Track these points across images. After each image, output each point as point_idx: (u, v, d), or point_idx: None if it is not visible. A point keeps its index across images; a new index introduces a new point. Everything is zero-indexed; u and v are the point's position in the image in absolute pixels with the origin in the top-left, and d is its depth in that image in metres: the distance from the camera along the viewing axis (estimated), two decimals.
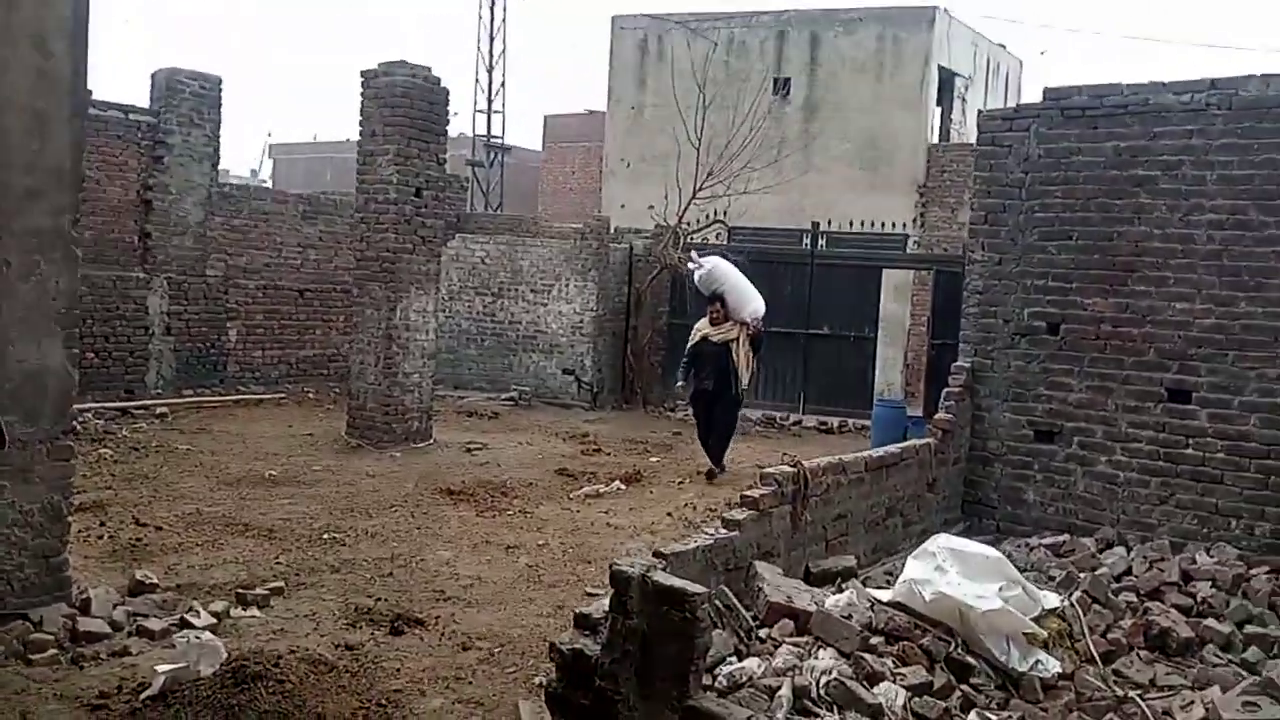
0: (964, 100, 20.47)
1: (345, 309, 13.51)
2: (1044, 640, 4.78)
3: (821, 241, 15.11)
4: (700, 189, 14.40)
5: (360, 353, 10.61)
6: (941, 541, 5.11)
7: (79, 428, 9.26)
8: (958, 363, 7.87)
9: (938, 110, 19.93)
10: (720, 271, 10.20)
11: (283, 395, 13.24)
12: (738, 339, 9.92)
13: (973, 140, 8.95)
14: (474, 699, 4.37)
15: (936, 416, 7.57)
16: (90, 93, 11.78)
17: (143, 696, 4.01)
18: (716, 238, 15.22)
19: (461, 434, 11.32)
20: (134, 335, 12.14)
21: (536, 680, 4.55)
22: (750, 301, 10.05)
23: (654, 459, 10.60)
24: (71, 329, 5.11)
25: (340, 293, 14.18)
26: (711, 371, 9.94)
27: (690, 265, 10.67)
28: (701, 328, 10.13)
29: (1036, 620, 4.82)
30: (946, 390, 7.68)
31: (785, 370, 14.20)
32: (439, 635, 5.15)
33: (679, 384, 10.55)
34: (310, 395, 13.58)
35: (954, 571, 4.87)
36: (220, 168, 13.95)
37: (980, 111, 8.31)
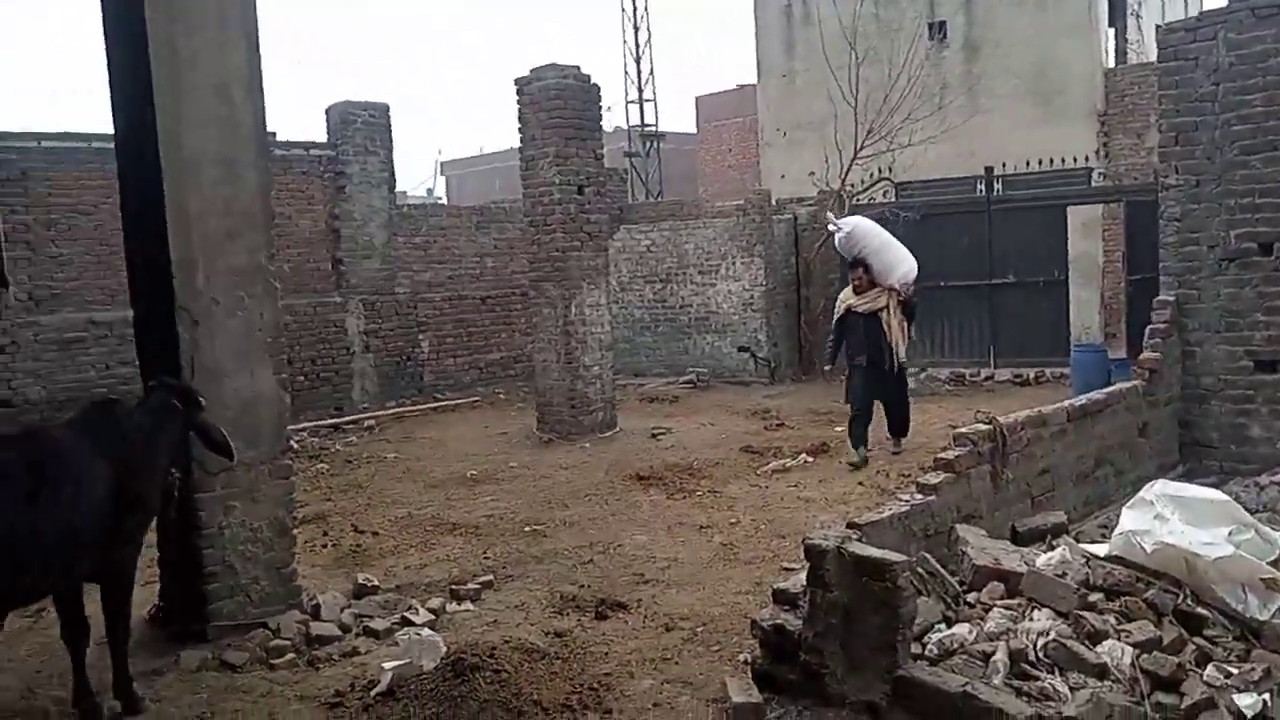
0: (1138, 17, 19.01)
1: (525, 311, 13.96)
2: None
3: (997, 186, 14.40)
4: (861, 148, 14.01)
5: (542, 351, 10.93)
6: (1159, 488, 4.77)
7: (296, 446, 10.02)
8: (1160, 297, 7.34)
9: (1110, 31, 18.59)
10: (861, 232, 9.09)
11: (476, 399, 13.83)
12: (887, 307, 8.85)
13: (1153, 58, 8.29)
14: (681, 678, 4.43)
15: (1142, 356, 7.08)
16: (274, 134, 12.71)
17: (374, 693, 4.28)
18: (884, 195, 14.76)
19: (645, 420, 11.48)
20: (337, 356, 12.98)
21: (741, 657, 4.56)
22: (899, 264, 8.93)
23: (839, 429, 10.38)
24: (279, 356, 5.50)
25: (519, 296, 14.67)
26: (862, 346, 8.92)
27: (830, 228, 9.57)
28: (845, 298, 9.16)
29: (1274, 564, 4.43)
30: (1150, 327, 7.17)
31: (971, 324, 13.65)
32: (642, 618, 5.25)
33: (826, 366, 9.90)
34: (501, 396, 14.13)
35: (1176, 519, 4.54)
36: (397, 189, 14.69)
37: (1159, 26, 7.68)
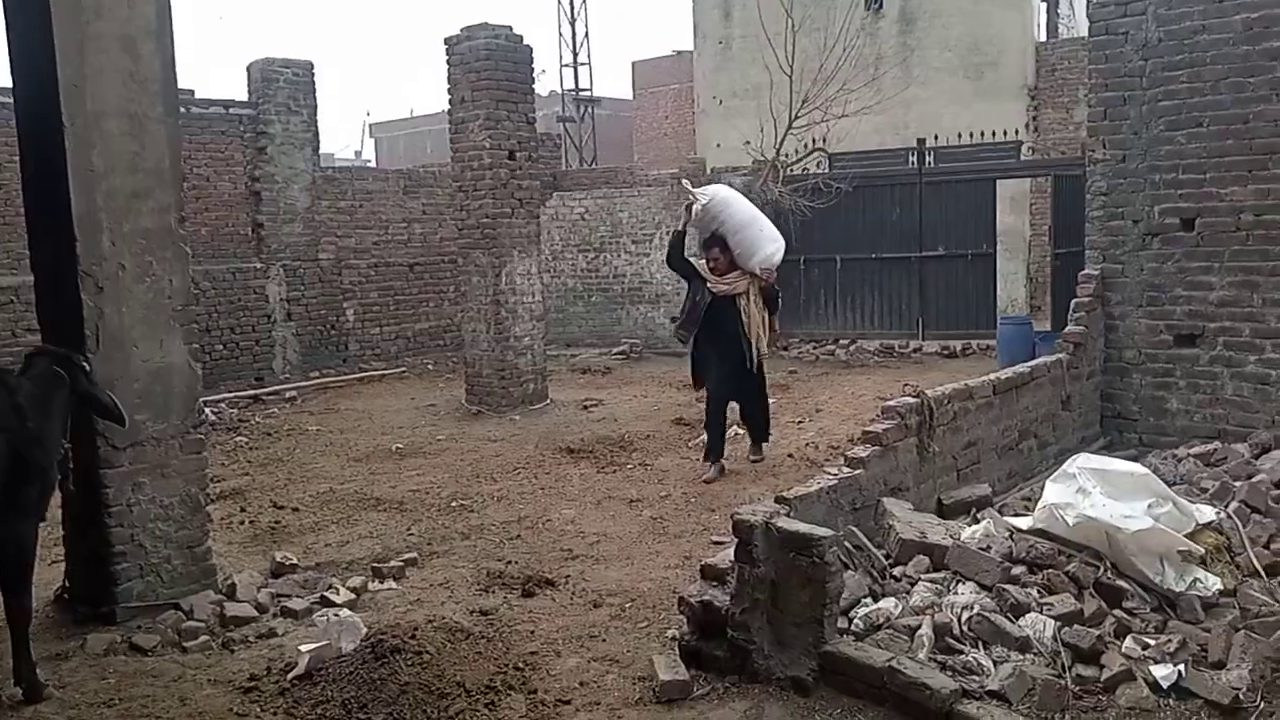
0: None
1: (454, 279, 13.71)
2: (1201, 557, 4.49)
3: (929, 158, 14.50)
4: (796, 118, 13.98)
5: (471, 321, 10.73)
6: (1081, 461, 4.83)
7: (214, 418, 9.72)
8: (1085, 270, 7.44)
9: (1042, 6, 18.81)
10: (721, 204, 7.54)
11: (403, 369, 13.57)
12: (746, 294, 7.46)
13: (1084, 34, 8.35)
14: (608, 656, 4.36)
15: (1066, 330, 7.18)
16: (192, 92, 12.22)
17: (290, 676, 4.14)
18: (818, 166, 14.76)
19: (577, 392, 11.37)
20: (258, 324, 12.58)
21: (669, 633, 4.51)
22: (762, 245, 7.46)
23: (770, 400, 10.41)
24: (189, 325, 5.25)
25: (448, 264, 14.39)
26: (714, 336, 7.51)
27: (687, 199, 7.75)
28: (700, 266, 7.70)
29: (1191, 536, 4.52)
30: (1075, 301, 7.27)
31: (900, 296, 13.78)
32: (570, 594, 5.17)
33: (680, 341, 8.13)
34: (429, 367, 13.88)
35: (1097, 492, 4.60)
36: (323, 151, 14.25)
37: (1090, 1, 7.73)
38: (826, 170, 14.62)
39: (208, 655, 4.52)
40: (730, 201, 7.66)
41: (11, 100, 5.22)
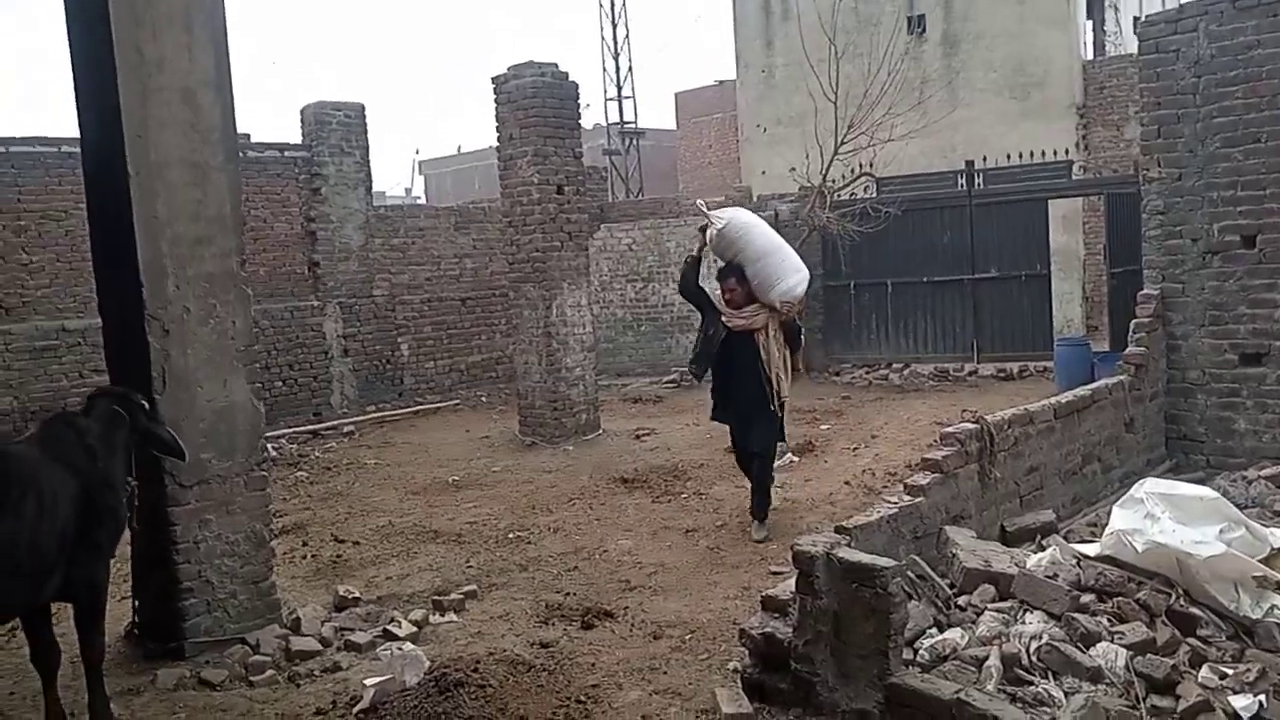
0: (1115, 9, 19.05)
1: (505, 312, 13.86)
2: (1277, 583, 4.35)
3: (978, 180, 14.37)
4: (842, 143, 13.94)
5: (523, 353, 10.82)
6: (1149, 486, 4.73)
7: (274, 453, 9.89)
8: (1144, 290, 7.32)
9: (1088, 24, 18.62)
10: (737, 230, 6.73)
11: (457, 402, 13.71)
12: (765, 329, 6.73)
13: (1132, 50, 8.26)
14: (670, 689, 4.34)
15: (1128, 351, 7.05)
16: (247, 136, 12.54)
17: (356, 710, 4.18)
18: (865, 191, 14.70)
19: (629, 422, 11.39)
20: (315, 360, 12.82)
21: (730, 665, 4.48)
22: (782, 276, 6.68)
23: (824, 426, 10.37)
24: (253, 365, 5.38)
25: (499, 297, 14.55)
26: (732, 372, 6.82)
27: (702, 225, 6.98)
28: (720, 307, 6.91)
29: (1265, 561, 4.39)
30: (1135, 321, 7.14)
31: (953, 319, 13.62)
32: (629, 626, 5.17)
33: (692, 376, 7.44)
34: (483, 399, 14.01)
35: (1166, 517, 4.50)
36: (374, 190, 14.51)
37: (1138, 19, 7.64)
38: (874, 194, 14.56)
39: (274, 689, 4.58)
40: (750, 227, 6.81)
41: (79, 150, 5.42)
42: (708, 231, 6.83)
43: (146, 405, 4.64)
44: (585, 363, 10.88)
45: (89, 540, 4.13)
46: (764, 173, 19.10)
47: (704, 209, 7.31)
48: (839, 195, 14.15)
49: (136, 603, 5.22)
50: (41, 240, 10.80)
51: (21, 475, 3.92)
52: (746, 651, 4.31)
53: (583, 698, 4.23)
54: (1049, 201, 13.49)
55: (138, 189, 4.97)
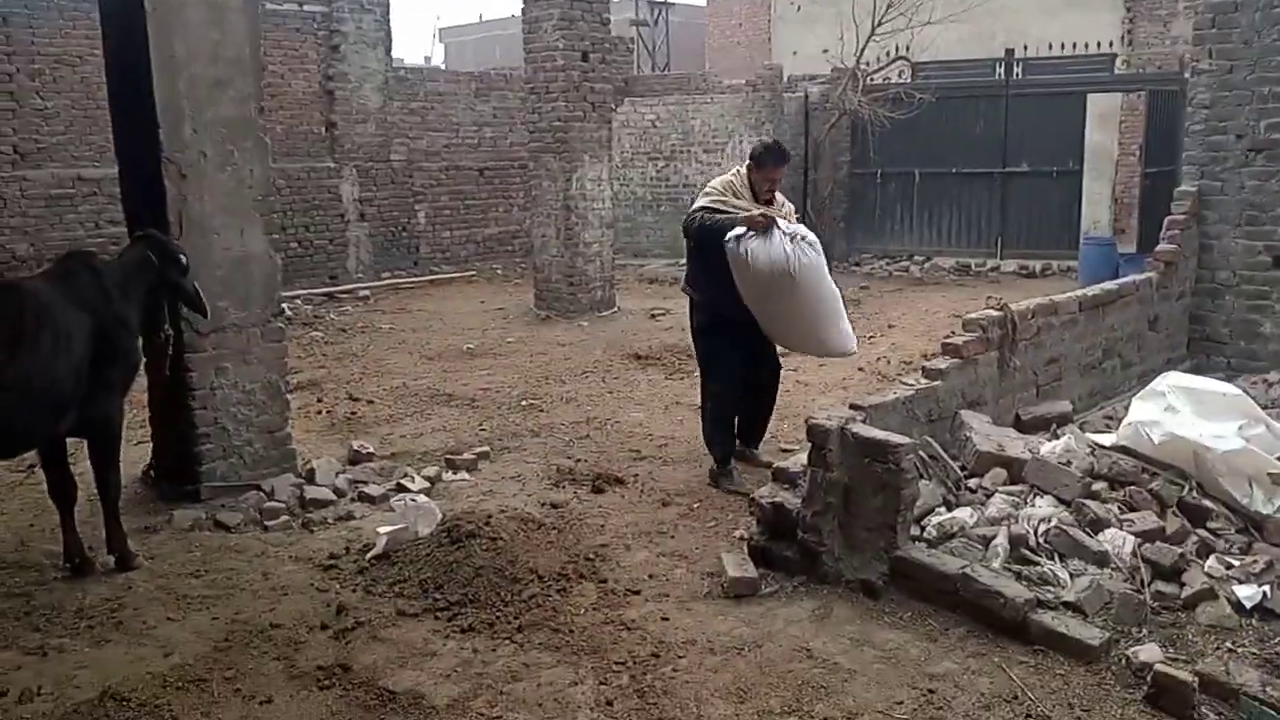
0: None
1: (523, 185, 13.64)
2: None
3: (1017, 70, 13.91)
4: (879, 24, 13.44)
5: (541, 226, 10.69)
6: (1171, 379, 4.69)
7: (290, 313, 9.88)
8: (1182, 188, 7.11)
9: None
10: (813, 254, 5.12)
11: (473, 274, 13.64)
12: None
13: None
14: (676, 552, 4.40)
15: (1158, 248, 6.90)
16: None
17: (368, 556, 4.25)
18: (900, 76, 14.25)
19: (644, 301, 11.32)
20: (331, 223, 12.70)
21: (737, 534, 4.53)
22: (840, 326, 5.34)
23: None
24: (269, 215, 5.30)
25: (517, 169, 14.32)
26: (737, 300, 5.23)
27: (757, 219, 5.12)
28: (733, 190, 5.37)
29: None
30: (1169, 219, 6.97)
31: (980, 213, 13.39)
32: (639, 492, 5.21)
33: (684, 286, 5.75)
34: (498, 272, 13.94)
35: (1186, 411, 4.47)
36: (395, 56, 14.13)
37: None
38: (908, 80, 14.11)
39: (288, 534, 4.66)
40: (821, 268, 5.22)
41: None
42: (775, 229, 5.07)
43: (183, 259, 4.59)
44: (603, 239, 10.76)
45: (103, 378, 4.15)
46: (796, 53, 18.51)
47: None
48: (872, 79, 13.73)
49: (154, 446, 5.28)
50: (57, 85, 10.58)
51: (38, 310, 3.91)
52: (754, 520, 4.35)
53: (591, 555, 4.29)
54: (1088, 97, 13.07)
55: (155, 27, 4.81)
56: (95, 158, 10.65)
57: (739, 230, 5.09)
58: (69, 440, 4.28)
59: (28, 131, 10.43)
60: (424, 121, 13.77)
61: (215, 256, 5.04)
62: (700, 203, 5.41)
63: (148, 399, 5.25)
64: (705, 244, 5.27)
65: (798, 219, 5.45)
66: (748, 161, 5.44)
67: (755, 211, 5.15)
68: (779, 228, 5.05)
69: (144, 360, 4.69)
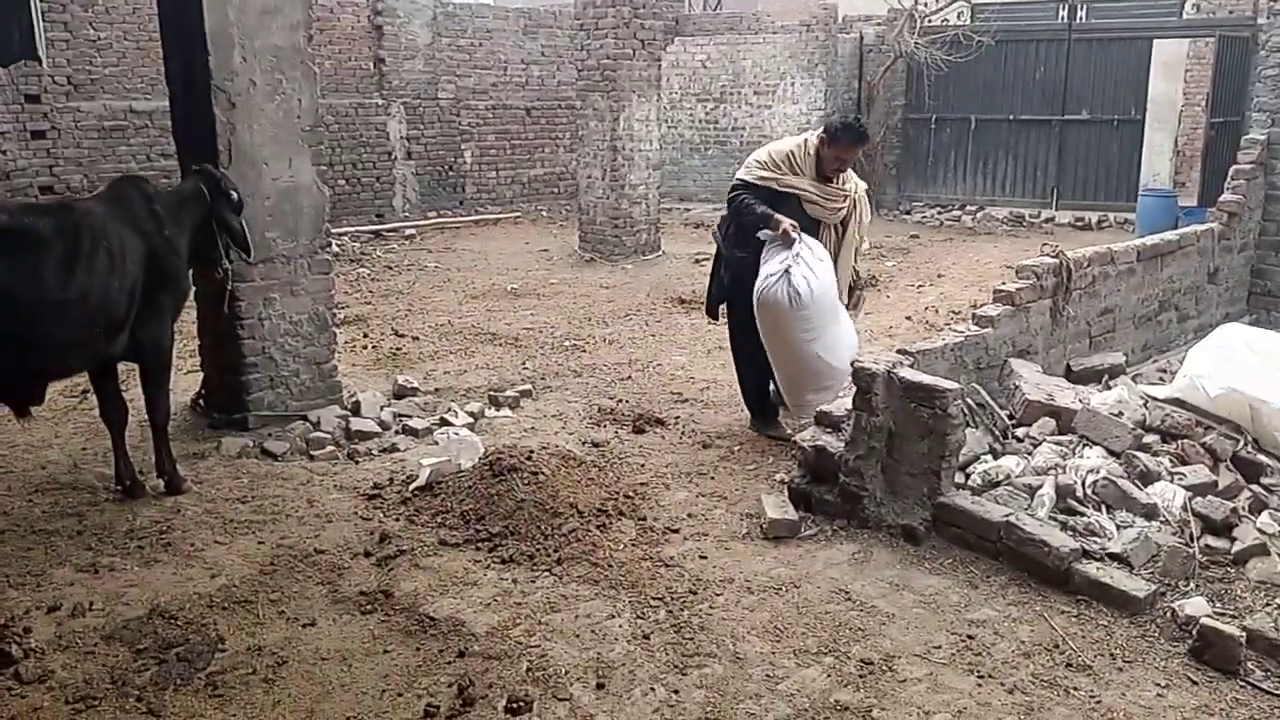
0: None
1: (570, 126, 13.52)
2: None
3: (1081, 13, 13.43)
4: None
5: (587, 166, 10.60)
6: (1230, 332, 4.56)
7: (338, 250, 9.94)
8: (1250, 135, 6.86)
9: None
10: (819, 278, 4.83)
11: (517, 215, 13.60)
12: (854, 217, 5.15)
13: None
14: (716, 493, 4.40)
15: (1222, 198, 6.68)
16: None
17: (411, 487, 4.30)
18: (958, 17, 13.85)
19: (689, 245, 11.22)
20: (379, 161, 12.69)
21: (778, 477, 4.51)
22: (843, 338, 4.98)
23: (890, 263, 10.14)
24: (317, 146, 5.29)
25: (564, 109, 14.18)
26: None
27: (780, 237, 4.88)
28: (792, 164, 4.99)
29: None
30: (1235, 168, 6.74)
31: (1036, 162, 13.04)
32: (679, 434, 5.20)
33: (715, 232, 5.45)
34: (543, 213, 13.88)
35: (1245, 364, 4.35)
36: None
37: None
38: (967, 22, 13.71)
39: (333, 464, 4.72)
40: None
41: None
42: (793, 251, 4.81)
43: (235, 195, 4.60)
44: (649, 181, 10.64)
45: (154, 301, 4.21)
46: None
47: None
48: (930, 21, 13.35)
49: (204, 375, 5.36)
50: (109, 16, 10.63)
51: (93, 230, 3.96)
52: (796, 463, 4.32)
53: (630, 493, 4.30)
54: (1154, 42, 12.61)
55: None
56: (147, 90, 10.72)
57: (767, 233, 4.91)
58: (119, 367, 4.36)
59: (81, 63, 10.51)
60: (471, 59, 13.65)
61: (264, 186, 5.05)
62: (751, 173, 5.03)
63: (198, 329, 5.32)
64: (743, 226, 5.03)
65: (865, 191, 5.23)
66: (820, 133, 5.02)
67: (787, 223, 4.82)
68: (795, 252, 4.75)
69: (193, 289, 4.75)
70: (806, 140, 5.07)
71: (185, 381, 5.61)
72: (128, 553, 3.77)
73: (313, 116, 5.25)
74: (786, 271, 4.75)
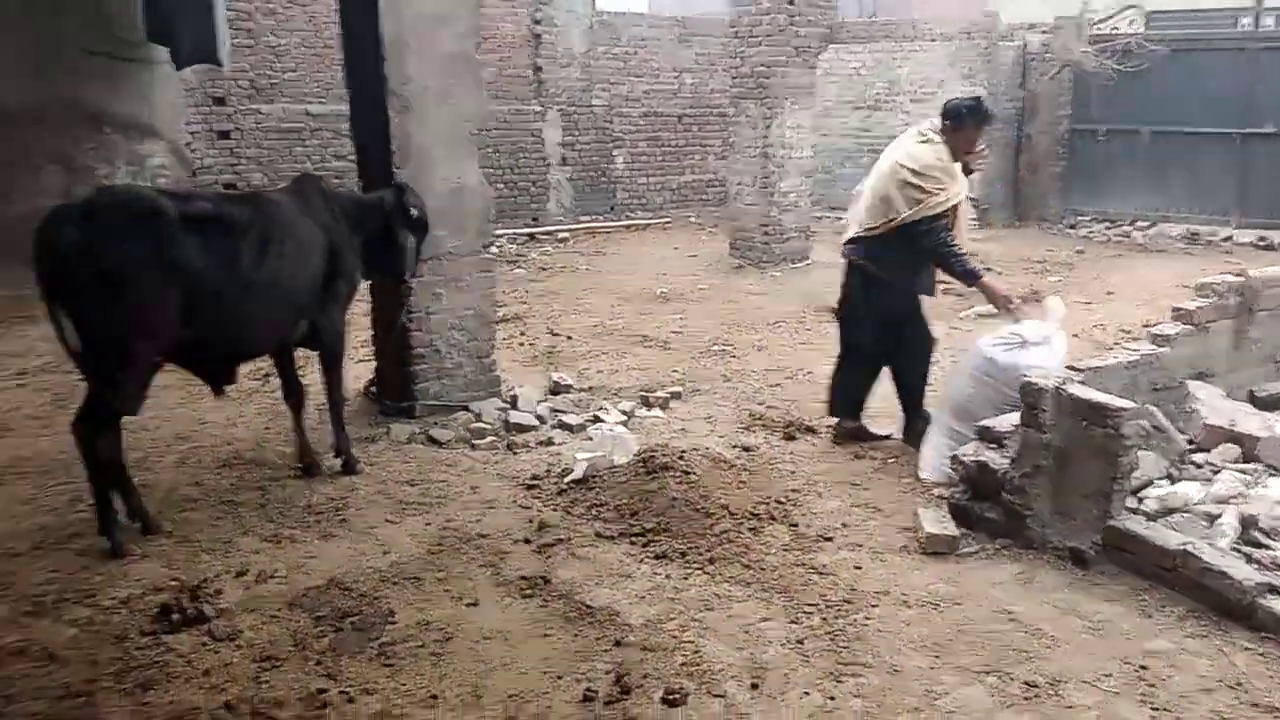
0: None
1: (721, 133, 13.56)
2: None
3: (1269, 20, 12.62)
4: None
5: (738, 173, 10.61)
6: None
7: (496, 250, 10.27)
8: None
9: None
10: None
11: (667, 220, 13.73)
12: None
13: None
14: (870, 503, 4.34)
15: None
16: None
17: (567, 479, 4.41)
18: (1129, 25, 13.22)
19: (840, 255, 11.04)
20: (535, 166, 13.04)
21: (935, 491, 4.41)
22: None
23: (1053, 278, 9.76)
24: (483, 149, 5.49)
25: (716, 117, 14.24)
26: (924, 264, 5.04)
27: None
28: (945, 167, 4.77)
29: None
30: None
31: (1215, 177, 12.29)
32: (830, 443, 5.15)
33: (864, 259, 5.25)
34: (692, 220, 13.97)
35: None
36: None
37: None
38: (1141, 30, 13.07)
39: (494, 453, 4.89)
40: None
41: None
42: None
43: (414, 214, 4.77)
44: (801, 188, 10.57)
45: (332, 291, 4.46)
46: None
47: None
48: (1099, 28, 12.80)
49: (376, 365, 5.63)
50: (289, 24, 11.27)
51: (282, 221, 4.22)
52: (958, 478, 4.22)
53: (782, 499, 4.29)
54: None
55: None
56: (322, 94, 11.31)
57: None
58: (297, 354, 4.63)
59: (263, 68, 11.17)
60: (625, 67, 13.87)
61: (434, 186, 5.27)
62: (924, 190, 4.71)
63: (371, 321, 5.60)
64: (935, 260, 4.89)
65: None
66: (940, 121, 4.80)
67: (1014, 300, 4.80)
68: (1045, 336, 4.48)
69: (363, 284, 4.98)
70: (930, 140, 4.83)
71: (356, 370, 5.90)
72: (307, 526, 4.01)
73: (479, 121, 5.47)
74: (1027, 343, 4.49)
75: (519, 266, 10.24)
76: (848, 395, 5.25)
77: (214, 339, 3.99)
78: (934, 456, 4.63)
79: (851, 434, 5.20)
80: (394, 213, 4.74)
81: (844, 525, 4.11)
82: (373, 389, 5.62)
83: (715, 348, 7.09)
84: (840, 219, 13.40)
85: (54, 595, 3.45)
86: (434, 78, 5.25)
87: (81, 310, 3.60)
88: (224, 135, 10.74)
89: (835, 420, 5.26)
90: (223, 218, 4.02)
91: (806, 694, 2.93)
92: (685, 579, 3.59)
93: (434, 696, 2.90)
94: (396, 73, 5.14)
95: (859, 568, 3.74)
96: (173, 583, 3.46)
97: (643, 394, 5.78)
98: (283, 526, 4.00)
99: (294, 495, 4.31)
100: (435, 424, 5.13)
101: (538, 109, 13.04)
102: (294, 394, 4.61)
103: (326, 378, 4.62)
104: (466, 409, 5.31)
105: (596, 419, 5.28)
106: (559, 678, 2.99)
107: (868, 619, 3.36)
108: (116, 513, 3.83)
